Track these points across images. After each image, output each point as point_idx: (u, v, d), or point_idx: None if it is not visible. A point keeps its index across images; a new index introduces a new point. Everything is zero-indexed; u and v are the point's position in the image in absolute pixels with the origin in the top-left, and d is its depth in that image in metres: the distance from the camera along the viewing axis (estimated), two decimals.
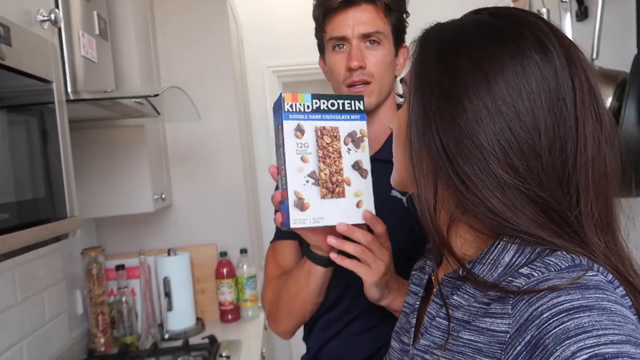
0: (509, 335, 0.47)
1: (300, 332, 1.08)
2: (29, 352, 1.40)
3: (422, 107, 0.55)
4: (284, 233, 1.01)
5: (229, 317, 1.98)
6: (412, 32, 0.65)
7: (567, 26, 1.55)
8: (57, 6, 1.06)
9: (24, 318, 1.40)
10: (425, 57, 0.57)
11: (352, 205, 0.78)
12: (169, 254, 1.93)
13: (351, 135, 0.79)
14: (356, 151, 0.79)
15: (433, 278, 0.66)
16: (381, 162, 0.89)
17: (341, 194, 0.77)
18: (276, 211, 0.83)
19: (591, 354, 0.40)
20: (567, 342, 0.41)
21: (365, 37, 0.94)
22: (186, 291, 1.92)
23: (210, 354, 1.62)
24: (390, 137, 0.94)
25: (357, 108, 0.80)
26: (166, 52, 1.98)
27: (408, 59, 0.63)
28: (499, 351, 0.48)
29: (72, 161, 0.93)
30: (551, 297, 0.45)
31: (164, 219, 2.03)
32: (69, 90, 1.09)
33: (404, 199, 0.96)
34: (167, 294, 1.88)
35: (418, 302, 0.67)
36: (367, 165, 0.79)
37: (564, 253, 0.50)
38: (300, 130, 0.77)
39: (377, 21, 0.94)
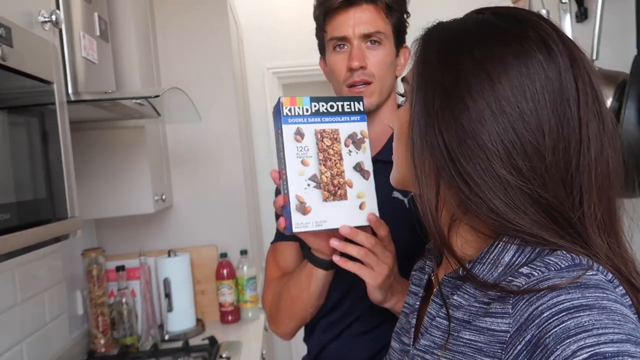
0: (509, 334, 0.47)
1: (301, 333, 1.08)
2: (29, 352, 1.40)
3: (424, 107, 0.55)
4: (284, 234, 1.01)
5: (229, 318, 1.98)
6: (413, 32, 0.65)
7: (567, 27, 1.56)
8: (58, 7, 1.06)
9: (24, 318, 1.40)
10: (427, 56, 0.57)
11: (355, 208, 0.77)
12: (169, 255, 1.93)
13: (352, 136, 0.79)
14: (357, 152, 0.79)
15: (433, 278, 0.66)
16: (383, 163, 0.89)
17: (343, 197, 0.77)
18: (277, 215, 0.83)
19: (591, 352, 0.40)
20: (568, 341, 0.42)
21: (366, 37, 0.94)
22: (186, 292, 1.92)
23: (211, 355, 1.62)
24: (391, 138, 0.94)
25: (356, 109, 0.80)
26: (166, 52, 1.98)
27: (409, 59, 0.63)
28: (499, 351, 0.48)
29: (72, 162, 0.93)
30: (551, 297, 0.45)
31: (164, 220, 2.03)
32: (70, 91, 1.10)
33: (405, 200, 0.96)
34: (167, 295, 1.88)
35: (418, 303, 0.67)
36: (369, 166, 0.79)
37: (564, 252, 0.50)
38: (299, 134, 0.77)
39: (378, 21, 0.94)
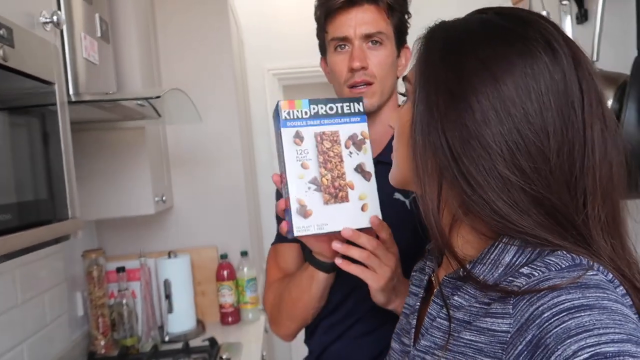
0: (510, 335, 0.47)
1: (301, 334, 1.08)
2: (30, 353, 1.40)
3: (427, 106, 0.55)
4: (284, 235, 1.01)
5: (230, 319, 1.98)
6: (413, 33, 0.64)
7: (567, 28, 1.56)
8: (59, 8, 1.07)
9: (25, 319, 1.40)
10: (430, 55, 0.57)
11: (357, 209, 0.77)
12: (169, 256, 1.93)
13: (352, 138, 0.78)
14: (358, 154, 0.78)
15: (433, 279, 0.66)
16: (384, 164, 0.88)
17: (345, 199, 0.76)
18: (278, 217, 0.83)
19: (592, 352, 0.40)
20: (568, 341, 0.42)
21: (368, 37, 0.94)
22: (186, 293, 1.92)
23: (211, 356, 1.62)
24: (392, 139, 0.94)
25: (356, 110, 0.79)
26: (167, 52, 1.98)
27: (411, 58, 0.63)
28: (500, 351, 0.48)
29: (73, 162, 0.93)
30: (552, 297, 0.45)
31: (164, 221, 2.03)
32: (71, 92, 1.10)
33: (407, 201, 0.95)
34: (168, 296, 1.88)
35: (418, 303, 0.67)
36: (370, 167, 0.78)
37: (564, 252, 0.50)
38: (299, 137, 0.76)
39: (379, 21, 0.94)
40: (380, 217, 0.77)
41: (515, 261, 0.52)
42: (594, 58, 1.37)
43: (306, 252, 0.91)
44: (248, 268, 1.99)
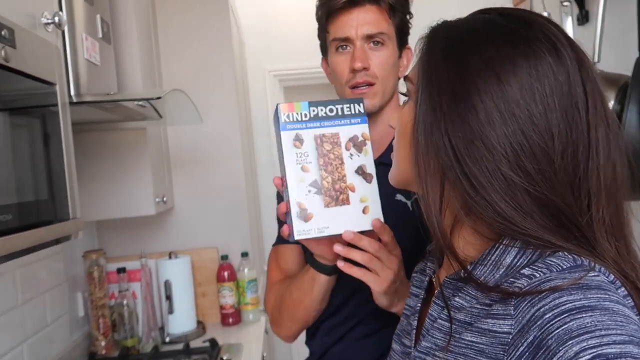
0: (511, 336, 0.47)
1: (302, 335, 1.08)
2: (30, 354, 1.40)
3: (430, 106, 0.55)
4: None
5: (230, 320, 1.98)
6: (414, 33, 0.64)
7: (569, 30, 1.56)
8: (61, 9, 1.07)
9: (25, 320, 1.40)
10: (432, 55, 0.57)
11: (358, 212, 0.76)
12: (170, 257, 1.93)
13: (352, 139, 0.77)
14: (359, 155, 0.77)
15: (434, 280, 0.66)
16: (385, 166, 0.88)
17: (345, 201, 0.76)
18: (279, 220, 0.82)
19: (594, 354, 0.40)
20: (570, 342, 0.41)
21: (369, 38, 0.93)
22: (187, 294, 1.92)
23: (211, 357, 1.62)
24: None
25: (357, 111, 0.78)
26: (168, 53, 1.99)
27: (412, 58, 0.63)
28: (501, 352, 0.47)
29: (74, 163, 0.93)
30: (553, 298, 0.45)
31: (165, 222, 2.03)
32: (72, 92, 1.10)
33: (408, 203, 0.94)
34: (168, 297, 1.88)
35: (419, 304, 0.67)
36: (371, 169, 0.77)
37: (566, 253, 0.50)
38: (299, 140, 0.76)
39: (381, 22, 0.93)
40: (382, 219, 0.77)
41: (517, 262, 0.52)
42: (595, 59, 1.38)
43: (308, 254, 0.90)
44: (249, 269, 1.99)
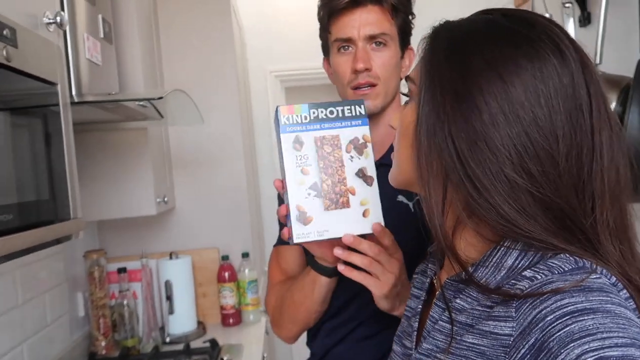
0: (512, 338, 0.47)
1: (303, 336, 1.08)
2: (30, 354, 1.40)
3: (433, 107, 0.54)
4: None
5: (231, 321, 1.98)
6: (416, 33, 0.64)
7: (570, 31, 1.56)
8: (62, 9, 1.07)
9: (25, 320, 1.40)
10: (435, 55, 0.56)
11: (359, 215, 0.75)
12: (170, 257, 1.93)
13: (353, 142, 0.76)
14: (359, 158, 0.76)
15: (435, 281, 0.66)
16: (387, 167, 0.88)
17: (346, 204, 0.75)
18: (280, 222, 0.82)
19: (596, 357, 0.40)
20: (572, 345, 0.41)
21: (371, 38, 0.93)
22: (188, 295, 1.92)
23: (212, 358, 1.62)
24: None
25: (357, 113, 0.77)
26: (169, 53, 1.99)
27: (415, 59, 0.63)
28: (502, 354, 0.47)
29: (75, 163, 0.93)
30: (555, 300, 0.45)
31: (166, 222, 2.03)
32: (74, 92, 1.10)
33: (410, 204, 0.94)
34: (169, 298, 1.88)
35: (420, 306, 0.67)
36: (372, 171, 0.76)
37: (567, 255, 0.50)
38: (298, 142, 0.75)
39: (383, 22, 0.93)
40: (382, 222, 0.76)
41: (518, 264, 0.52)
42: (597, 61, 1.37)
43: (309, 256, 0.90)
44: (249, 269, 1.99)
